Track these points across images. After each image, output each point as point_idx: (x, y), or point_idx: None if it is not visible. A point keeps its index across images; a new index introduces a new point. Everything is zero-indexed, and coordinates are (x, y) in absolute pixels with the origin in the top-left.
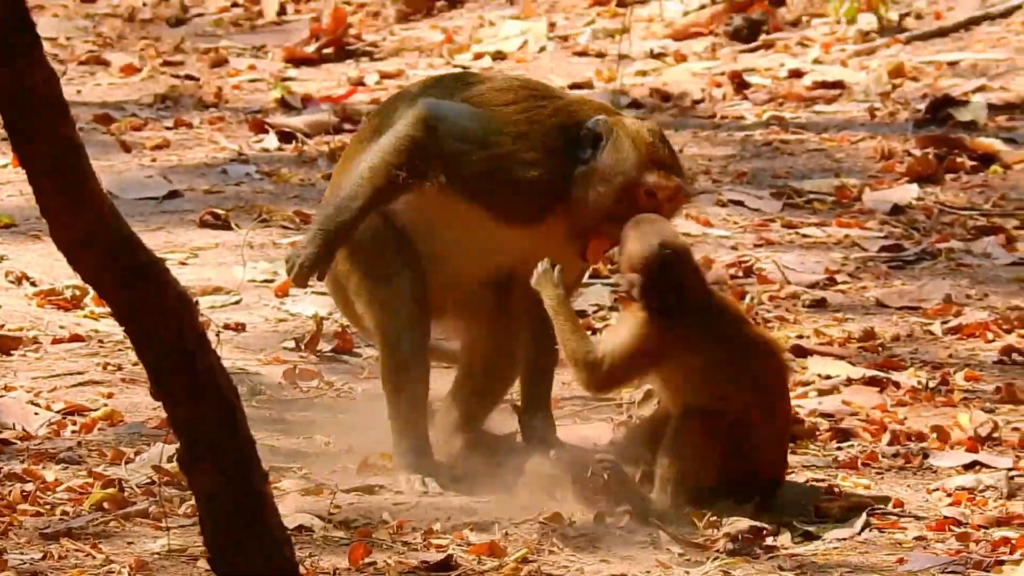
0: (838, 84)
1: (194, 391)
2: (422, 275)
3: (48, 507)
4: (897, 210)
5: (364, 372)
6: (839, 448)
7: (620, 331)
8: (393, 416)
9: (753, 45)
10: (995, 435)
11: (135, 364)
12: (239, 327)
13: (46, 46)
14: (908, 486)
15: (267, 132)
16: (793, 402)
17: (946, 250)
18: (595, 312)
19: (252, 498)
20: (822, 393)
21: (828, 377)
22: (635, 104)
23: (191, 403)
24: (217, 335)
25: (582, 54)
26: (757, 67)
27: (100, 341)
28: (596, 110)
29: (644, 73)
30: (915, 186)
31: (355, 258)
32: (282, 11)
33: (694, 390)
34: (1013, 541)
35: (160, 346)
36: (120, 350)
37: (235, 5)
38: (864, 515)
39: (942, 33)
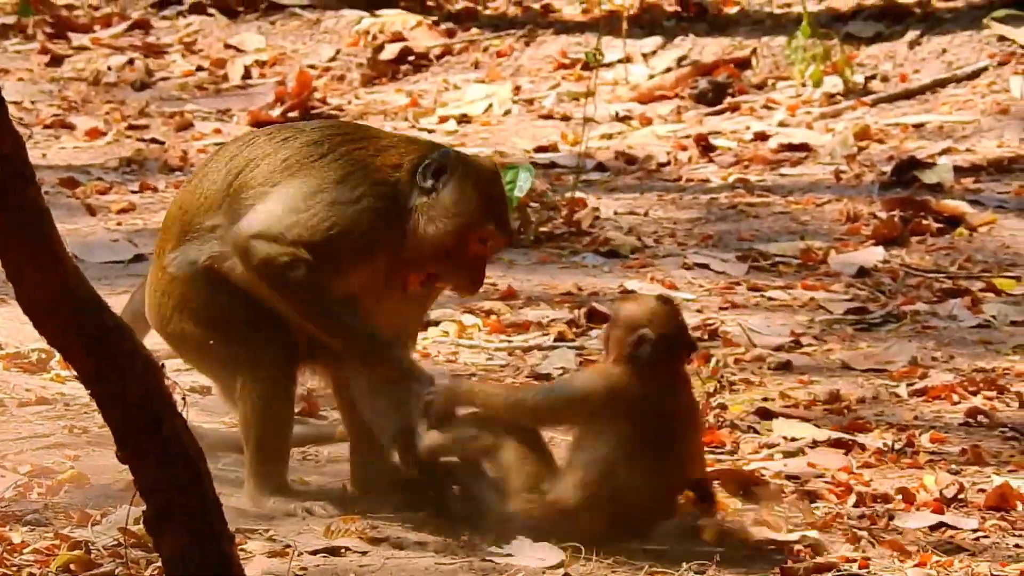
0: (804, 147)
1: (161, 454)
2: (284, 330)
3: (15, 568)
4: (863, 272)
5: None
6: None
7: (588, 373)
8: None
9: (718, 108)
10: (961, 496)
11: (101, 427)
12: (204, 390)
13: (11, 110)
14: (874, 547)
15: None
16: (758, 464)
17: (912, 312)
18: (560, 374)
19: (219, 560)
20: (787, 455)
21: (794, 439)
22: (601, 167)
23: (158, 466)
24: (183, 398)
25: (547, 117)
26: (722, 130)
27: (66, 404)
28: (427, 148)
29: (609, 136)
30: (881, 249)
31: (212, 322)
32: (247, 75)
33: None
34: None
35: (126, 409)
36: (86, 413)
37: (200, 69)
38: None
39: (908, 95)
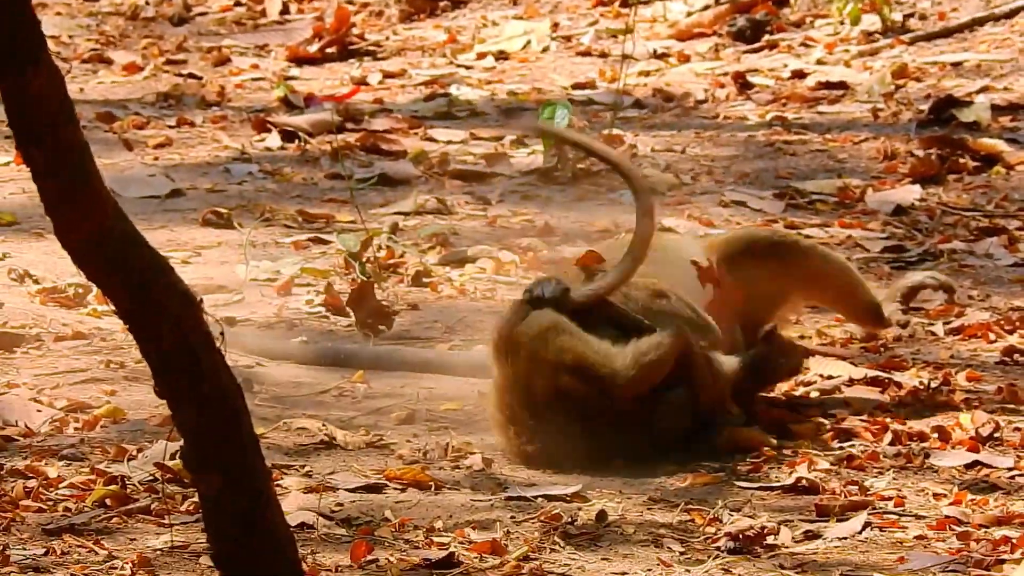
0: (841, 85)
1: (198, 391)
2: None
3: (51, 503)
4: (900, 211)
5: (358, 372)
6: (840, 447)
7: None
8: None
9: (756, 46)
10: (996, 435)
11: (138, 362)
12: (240, 324)
13: (50, 44)
14: (910, 485)
15: (270, 131)
16: (796, 402)
17: (948, 251)
18: None
19: (256, 498)
20: (824, 393)
21: (830, 377)
22: (638, 104)
23: (195, 403)
24: (221, 334)
25: (585, 54)
26: (760, 68)
27: (102, 339)
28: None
29: (647, 73)
30: (918, 187)
31: None
32: (285, 10)
33: None
34: (1014, 540)
35: (164, 345)
36: (123, 348)
37: (238, 4)
38: (865, 514)
39: (946, 34)
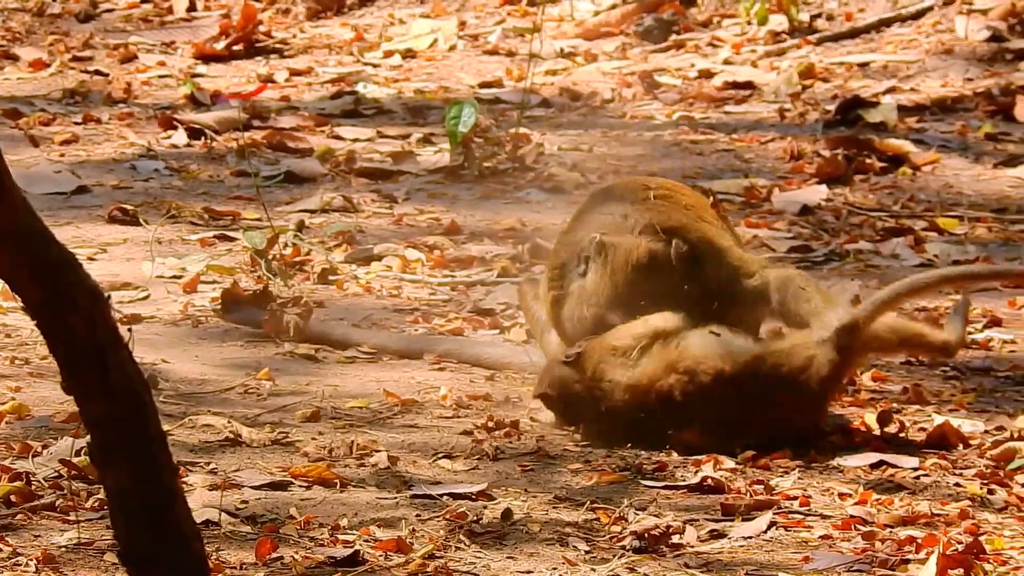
0: (748, 85)
1: (106, 387)
2: None
3: None
4: (806, 211)
5: (264, 369)
6: (746, 447)
7: None
8: None
9: (663, 45)
10: (902, 435)
11: (43, 358)
12: (148, 322)
13: None
14: (815, 485)
15: (176, 128)
16: None
17: (855, 251)
18: (503, 310)
19: (162, 493)
20: None
21: None
22: (545, 103)
23: (103, 399)
24: (129, 331)
25: (492, 53)
26: (667, 67)
27: (7, 335)
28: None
29: (554, 72)
30: (824, 187)
31: None
32: (192, 7)
33: None
34: (919, 540)
35: (73, 342)
36: (28, 344)
37: (145, 1)
38: (770, 513)
39: (853, 34)
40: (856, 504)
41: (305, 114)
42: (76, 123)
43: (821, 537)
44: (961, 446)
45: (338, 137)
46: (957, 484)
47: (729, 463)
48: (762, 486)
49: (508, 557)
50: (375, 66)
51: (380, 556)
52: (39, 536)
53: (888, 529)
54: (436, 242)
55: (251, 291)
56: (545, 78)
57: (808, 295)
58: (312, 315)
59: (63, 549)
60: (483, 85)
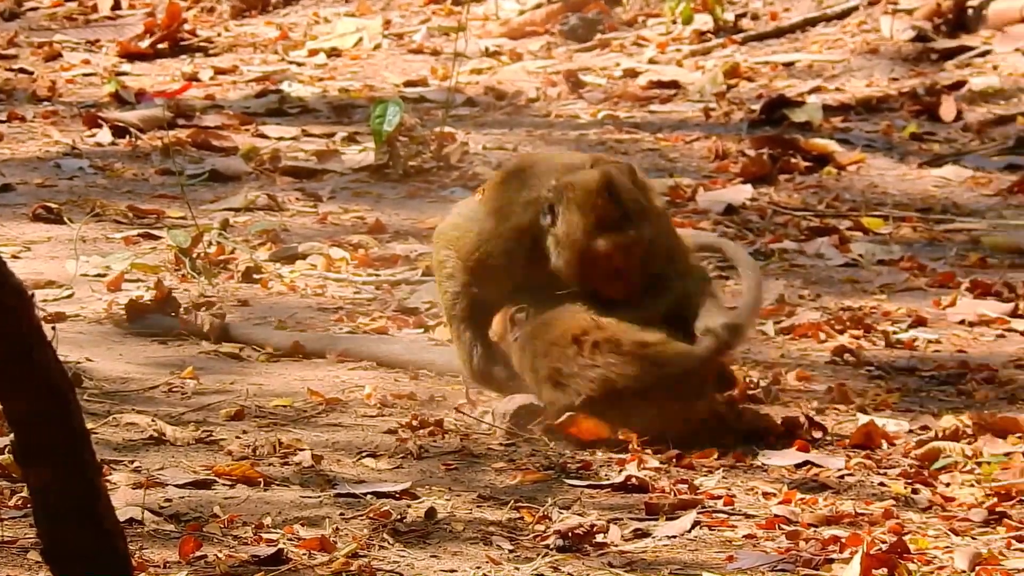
0: (673, 84)
1: (29, 384)
2: None
3: None
4: (731, 210)
5: (188, 368)
6: (671, 447)
7: None
8: None
9: (588, 44)
10: (826, 436)
11: None
12: (72, 321)
13: None
14: (739, 484)
15: (101, 127)
16: None
17: (779, 250)
18: (427, 309)
19: (86, 491)
20: None
21: None
22: (470, 102)
23: (27, 397)
24: (53, 329)
25: (417, 52)
26: (592, 66)
27: None
28: (558, 170)
29: (479, 71)
30: (749, 186)
31: None
32: (116, 6)
33: None
34: (843, 539)
35: None
36: None
37: (69, 0)
38: (694, 513)
39: (778, 34)
40: (780, 503)
41: (230, 113)
42: (1, 121)
43: (745, 536)
44: (886, 446)
45: (263, 136)
46: (881, 484)
47: (653, 462)
48: (686, 485)
49: (432, 556)
50: (300, 65)
51: (304, 555)
52: None
53: (812, 528)
54: (360, 241)
55: (151, 301)
56: (470, 77)
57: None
58: (226, 316)
59: None
60: (408, 84)
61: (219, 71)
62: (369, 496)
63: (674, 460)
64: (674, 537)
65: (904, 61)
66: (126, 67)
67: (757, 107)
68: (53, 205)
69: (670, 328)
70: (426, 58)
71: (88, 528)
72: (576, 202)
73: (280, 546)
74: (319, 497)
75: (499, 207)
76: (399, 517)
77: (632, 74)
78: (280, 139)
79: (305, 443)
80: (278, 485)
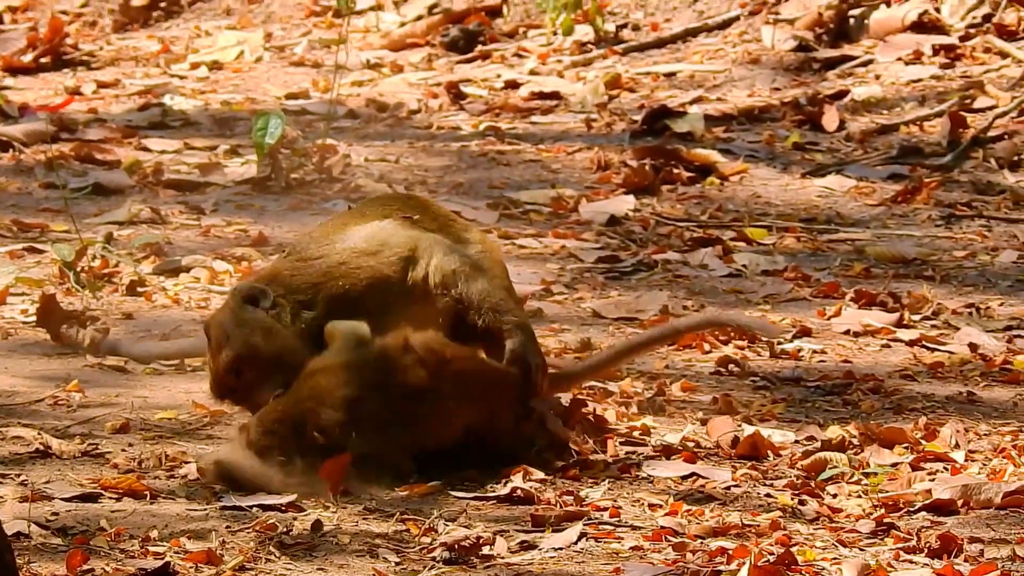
0: (554, 95)
1: None
2: None
3: None
4: (613, 221)
5: (73, 381)
6: (558, 458)
7: None
8: None
9: (469, 56)
10: (711, 446)
11: None
12: None
13: None
14: (625, 496)
15: None
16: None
17: (663, 261)
18: None
19: None
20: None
21: None
22: (352, 114)
23: None
24: None
25: (299, 64)
26: (473, 78)
27: None
28: None
29: (360, 84)
30: (631, 197)
31: None
32: None
33: None
34: (730, 551)
35: None
36: None
37: None
38: (581, 524)
39: (659, 44)
40: (667, 515)
41: (113, 126)
42: None
43: (632, 548)
44: (772, 456)
45: (146, 149)
46: (768, 495)
47: (539, 474)
48: (572, 497)
49: (318, 569)
50: (182, 78)
51: (191, 568)
52: None
53: (699, 540)
54: (244, 254)
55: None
56: (351, 89)
57: None
58: (109, 331)
59: None
60: (289, 96)
61: (102, 85)
62: (255, 509)
63: (559, 472)
64: (561, 549)
65: (786, 71)
66: (9, 81)
67: (639, 118)
68: None
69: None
70: (307, 70)
71: None
72: None
73: (167, 559)
74: (205, 510)
75: None
76: (285, 530)
77: (513, 85)
78: (163, 152)
79: (190, 456)
80: (164, 498)
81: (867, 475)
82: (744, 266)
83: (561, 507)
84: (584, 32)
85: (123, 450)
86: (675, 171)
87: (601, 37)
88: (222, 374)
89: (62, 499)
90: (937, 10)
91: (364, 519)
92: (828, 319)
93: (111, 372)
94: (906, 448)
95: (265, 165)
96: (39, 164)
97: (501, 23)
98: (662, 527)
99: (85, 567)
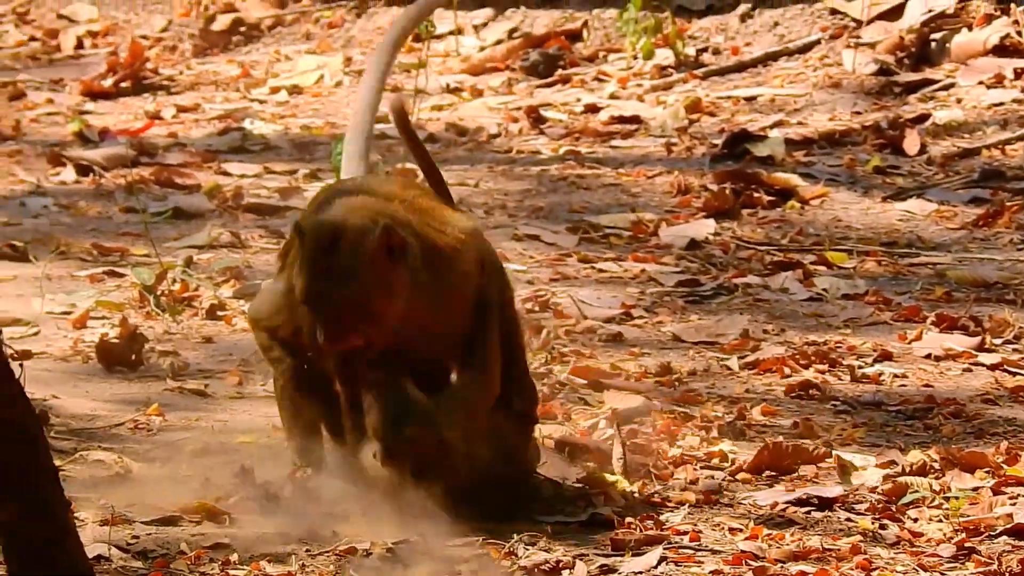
0: (635, 119)
1: None
2: None
3: None
4: (694, 245)
5: (154, 405)
6: (640, 481)
7: None
8: None
9: (549, 80)
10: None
11: None
12: (36, 357)
13: None
14: (706, 520)
15: (64, 165)
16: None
17: (743, 285)
18: None
19: (55, 528)
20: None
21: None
22: (431, 138)
23: None
24: (20, 366)
25: None
26: (553, 102)
27: None
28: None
29: (440, 108)
30: (712, 221)
31: None
32: (80, 45)
33: None
34: (810, 575)
35: None
36: None
37: (33, 39)
38: (660, 548)
39: (740, 68)
40: (747, 539)
41: (192, 150)
42: None
43: (712, 572)
44: (854, 480)
45: (225, 173)
46: (848, 519)
47: (619, 498)
48: (652, 521)
49: None
50: (261, 102)
51: None
52: None
53: (779, 564)
54: None
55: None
56: (431, 114)
57: None
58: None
59: None
60: None
61: (181, 109)
62: (333, 532)
63: (640, 495)
64: (640, 573)
65: (867, 95)
66: (89, 106)
67: (719, 142)
68: (18, 243)
69: None
70: (387, 95)
71: (56, 565)
72: None
73: None
74: (285, 533)
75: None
76: (366, 553)
77: (593, 109)
78: (243, 176)
79: (270, 479)
80: (244, 521)
81: (948, 499)
82: (825, 290)
83: (641, 531)
84: (664, 56)
85: (203, 473)
86: (755, 195)
87: (681, 61)
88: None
89: (142, 523)
90: (1019, 33)
91: (444, 542)
92: (909, 343)
93: (191, 396)
94: (987, 472)
95: None
96: (119, 188)
97: (581, 47)
98: (742, 551)
99: None
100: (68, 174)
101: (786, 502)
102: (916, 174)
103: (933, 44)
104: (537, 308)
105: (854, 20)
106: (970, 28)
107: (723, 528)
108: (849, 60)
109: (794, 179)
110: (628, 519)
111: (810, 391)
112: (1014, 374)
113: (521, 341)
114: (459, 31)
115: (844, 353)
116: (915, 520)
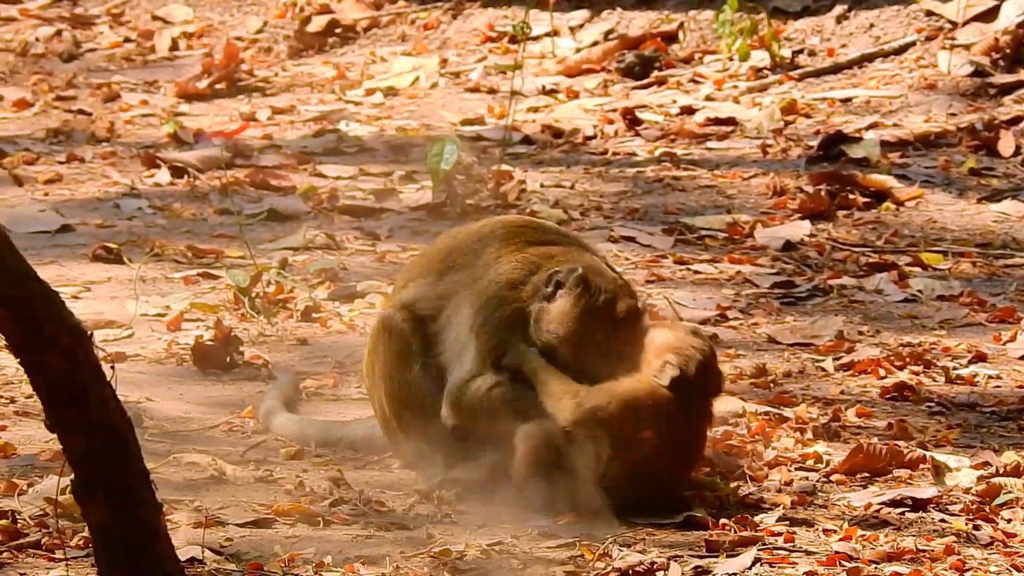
0: (730, 121)
1: (88, 424)
2: None
3: None
4: (789, 246)
5: (247, 407)
6: (735, 483)
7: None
8: None
9: (645, 82)
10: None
11: (28, 396)
12: (132, 361)
13: None
14: (800, 521)
15: (159, 167)
16: None
17: (838, 287)
18: None
19: (145, 530)
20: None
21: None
22: (527, 140)
23: (85, 436)
24: (112, 368)
25: (474, 90)
26: (649, 104)
27: None
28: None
29: (536, 109)
30: (807, 223)
31: None
32: (174, 47)
33: None
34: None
35: (54, 378)
36: (13, 383)
37: (128, 41)
38: (755, 550)
39: (835, 70)
40: (841, 540)
41: (287, 152)
42: (60, 162)
43: (806, 573)
44: (949, 482)
45: (320, 175)
46: (943, 520)
47: (713, 500)
48: (746, 522)
49: None
50: (357, 104)
51: None
52: (24, 574)
53: (873, 565)
54: None
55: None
56: (527, 115)
57: None
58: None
59: None
60: (465, 122)
61: (276, 111)
62: (429, 534)
63: (734, 496)
64: (734, 574)
65: (962, 96)
66: (184, 107)
67: (815, 143)
68: (113, 245)
69: None
70: (483, 96)
71: (147, 566)
72: (583, 303)
73: None
74: (378, 535)
75: None
76: (459, 555)
77: (689, 111)
78: (338, 178)
79: (363, 482)
80: (337, 524)
81: None
82: (919, 291)
83: (735, 532)
84: (760, 58)
85: (297, 476)
86: (851, 197)
87: (777, 63)
88: None
89: (236, 525)
90: None
91: (538, 544)
92: (1004, 344)
93: None
94: None
95: (440, 191)
96: (214, 190)
97: (677, 49)
98: (836, 552)
99: None
100: (163, 176)
101: (880, 503)
102: (1011, 176)
103: None
104: None
105: (949, 21)
106: None
107: (817, 529)
108: (944, 62)
109: (889, 181)
110: (723, 520)
111: (904, 392)
112: None
113: None
114: (555, 33)
115: (939, 354)
116: (1009, 521)
